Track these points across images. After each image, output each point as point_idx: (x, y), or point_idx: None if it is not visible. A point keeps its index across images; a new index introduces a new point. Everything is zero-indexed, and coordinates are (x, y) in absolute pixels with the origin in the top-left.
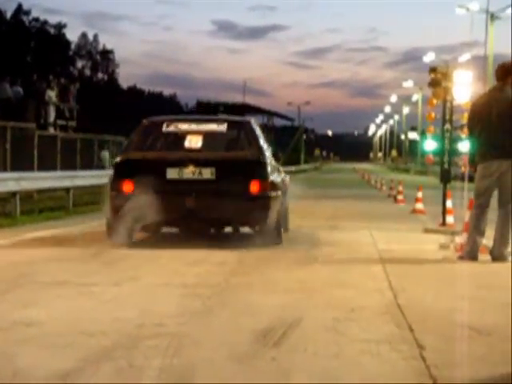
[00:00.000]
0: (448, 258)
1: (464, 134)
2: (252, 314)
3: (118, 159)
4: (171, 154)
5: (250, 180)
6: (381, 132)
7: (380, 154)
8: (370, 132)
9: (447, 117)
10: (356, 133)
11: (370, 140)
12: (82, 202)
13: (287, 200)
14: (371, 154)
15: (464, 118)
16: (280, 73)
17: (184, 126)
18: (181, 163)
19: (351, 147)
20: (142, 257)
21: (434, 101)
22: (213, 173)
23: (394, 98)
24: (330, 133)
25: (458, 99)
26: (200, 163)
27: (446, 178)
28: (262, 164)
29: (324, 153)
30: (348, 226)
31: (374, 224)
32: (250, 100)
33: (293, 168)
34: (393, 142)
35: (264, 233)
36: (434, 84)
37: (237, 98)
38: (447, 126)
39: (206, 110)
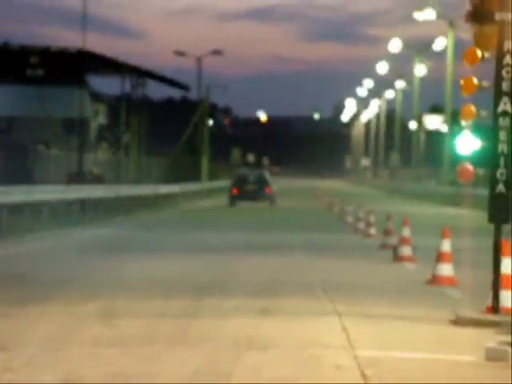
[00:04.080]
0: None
1: None
2: None
3: (232, 183)
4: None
5: (266, 186)
6: (368, 116)
7: (366, 161)
8: (346, 116)
9: (504, 87)
10: (317, 117)
11: (346, 132)
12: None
13: (276, 192)
14: (347, 161)
15: None
16: None
17: (246, 172)
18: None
19: (306, 146)
20: None
21: (478, 52)
22: (256, 186)
23: (395, 46)
24: (263, 116)
25: None
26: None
27: (500, 212)
28: (268, 183)
29: (251, 157)
30: (294, 308)
31: (353, 306)
32: (100, 44)
33: (177, 190)
34: (392, 135)
35: (271, 202)
36: (477, 17)
37: (74, 39)
38: (504, 103)
39: None
